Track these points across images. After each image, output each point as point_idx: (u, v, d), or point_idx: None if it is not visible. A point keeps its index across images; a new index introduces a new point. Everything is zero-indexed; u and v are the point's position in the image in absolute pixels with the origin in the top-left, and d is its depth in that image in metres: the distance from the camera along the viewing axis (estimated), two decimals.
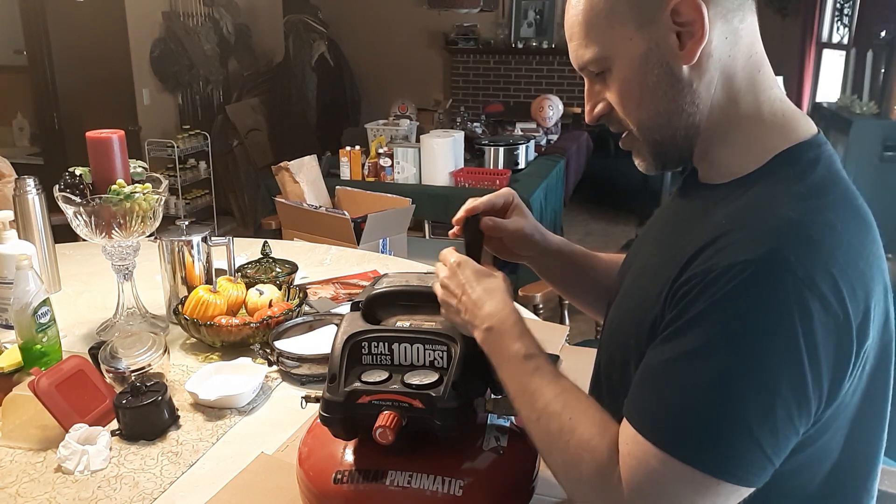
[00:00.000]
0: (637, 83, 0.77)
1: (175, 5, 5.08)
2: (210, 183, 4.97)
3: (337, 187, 3.39)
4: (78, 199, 1.41)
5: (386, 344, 0.91)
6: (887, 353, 0.75)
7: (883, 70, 4.14)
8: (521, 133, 4.53)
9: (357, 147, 3.78)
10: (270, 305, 1.54)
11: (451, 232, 1.02)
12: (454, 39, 6.46)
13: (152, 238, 1.60)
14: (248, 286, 1.62)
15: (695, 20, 0.73)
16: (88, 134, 1.48)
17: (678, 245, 0.75)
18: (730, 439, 0.65)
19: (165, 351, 1.35)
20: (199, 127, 4.98)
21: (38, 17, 4.06)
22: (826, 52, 5.03)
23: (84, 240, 1.48)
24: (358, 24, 6.52)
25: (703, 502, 0.67)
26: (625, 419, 0.72)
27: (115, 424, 1.20)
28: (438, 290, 0.91)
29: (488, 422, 0.95)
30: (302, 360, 1.36)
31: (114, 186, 1.42)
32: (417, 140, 3.89)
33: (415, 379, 0.87)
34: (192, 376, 1.33)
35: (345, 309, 1.43)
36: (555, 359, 0.84)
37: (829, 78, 5.01)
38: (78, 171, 1.46)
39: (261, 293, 1.58)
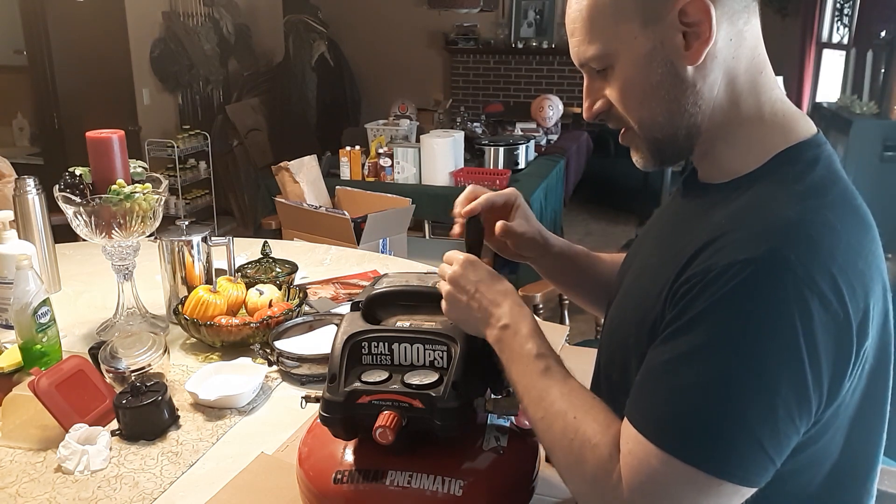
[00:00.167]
0: (640, 82, 0.77)
1: (175, 5, 5.08)
2: (210, 183, 4.97)
3: (337, 187, 3.39)
4: (78, 199, 1.41)
5: (386, 344, 0.91)
6: (887, 352, 0.75)
7: (883, 70, 4.14)
8: (521, 133, 4.53)
9: (357, 147, 3.78)
10: (270, 305, 1.54)
11: (452, 232, 1.02)
12: (454, 39, 6.46)
13: (152, 238, 1.60)
14: (248, 286, 1.62)
15: (702, 21, 0.73)
16: (88, 134, 1.48)
17: (678, 245, 0.75)
18: (731, 439, 0.65)
19: (165, 351, 1.35)
20: (199, 127, 4.98)
21: (38, 17, 4.06)
22: (826, 52, 5.03)
23: (84, 240, 1.48)
24: (358, 24, 6.52)
25: (704, 502, 0.67)
26: (626, 419, 0.72)
27: (115, 424, 1.20)
28: (445, 287, 0.91)
29: (488, 422, 0.95)
30: (302, 360, 1.36)
31: (114, 186, 1.42)
32: (417, 140, 3.89)
33: (415, 379, 0.87)
34: (192, 376, 1.33)
35: (345, 309, 1.43)
36: (553, 349, 0.84)
37: (829, 78, 5.01)
38: (78, 171, 1.46)
39: (261, 293, 1.58)
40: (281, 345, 1.41)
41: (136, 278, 1.57)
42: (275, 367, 1.40)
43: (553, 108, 4.80)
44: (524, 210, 1.04)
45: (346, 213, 2.94)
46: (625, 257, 0.99)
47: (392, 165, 3.68)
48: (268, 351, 1.41)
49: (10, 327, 1.42)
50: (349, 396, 0.87)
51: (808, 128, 0.78)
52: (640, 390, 0.72)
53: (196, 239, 1.61)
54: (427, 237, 3.75)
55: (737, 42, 0.76)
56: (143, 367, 1.30)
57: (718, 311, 0.66)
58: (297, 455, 0.96)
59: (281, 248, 2.01)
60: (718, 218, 0.73)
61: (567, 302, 2.21)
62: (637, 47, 0.76)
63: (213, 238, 1.65)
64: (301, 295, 1.62)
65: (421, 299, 0.98)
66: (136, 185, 1.45)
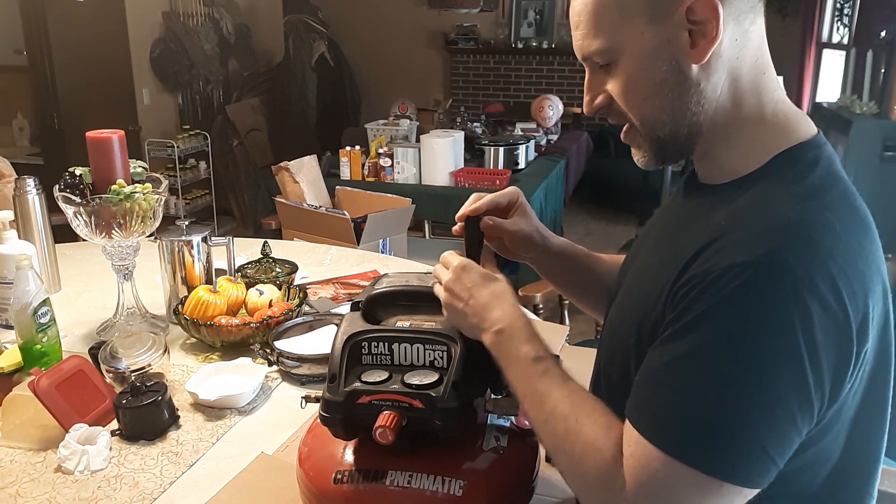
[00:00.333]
0: (644, 78, 0.77)
1: (175, 5, 5.08)
2: (210, 183, 4.97)
3: (337, 187, 3.39)
4: (78, 199, 1.41)
5: (386, 344, 0.91)
6: (887, 353, 0.75)
7: (883, 70, 4.14)
8: (521, 133, 4.53)
9: (357, 147, 3.78)
10: (270, 305, 1.54)
11: (454, 229, 1.02)
12: (454, 39, 6.46)
13: (152, 238, 1.60)
14: (248, 286, 1.62)
15: (709, 20, 0.72)
16: (88, 134, 1.48)
17: (678, 245, 0.75)
18: (733, 441, 0.65)
19: (165, 351, 1.35)
20: (199, 127, 4.98)
21: (38, 17, 4.06)
22: (826, 52, 5.03)
23: (84, 240, 1.48)
24: (358, 24, 6.52)
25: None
26: (627, 421, 0.72)
27: (115, 424, 1.20)
28: (441, 294, 0.91)
29: (488, 422, 0.95)
30: (302, 360, 1.36)
31: (114, 186, 1.42)
32: (417, 140, 3.89)
33: (415, 379, 0.87)
34: (192, 376, 1.33)
35: (345, 309, 1.43)
36: (555, 359, 0.84)
37: (829, 78, 5.01)
38: (78, 171, 1.46)
39: (261, 293, 1.58)
40: (281, 345, 1.41)
41: (136, 278, 1.57)
42: (275, 367, 1.40)
43: (553, 108, 4.80)
44: (524, 209, 1.04)
45: (346, 213, 2.94)
46: (625, 258, 0.98)
47: (392, 165, 3.68)
48: (268, 351, 1.41)
49: (10, 327, 1.42)
50: (349, 396, 0.87)
51: (809, 128, 0.78)
52: (640, 392, 0.72)
53: (196, 239, 1.61)
54: (427, 237, 3.75)
55: (742, 42, 0.76)
56: (143, 367, 1.30)
57: (719, 313, 0.66)
58: (297, 455, 0.96)
59: (281, 248, 2.01)
60: (718, 218, 0.73)
61: (567, 302, 2.21)
62: (642, 43, 0.75)
63: (213, 238, 1.65)
64: (301, 295, 1.62)
65: (421, 299, 0.98)
66: (136, 185, 1.45)
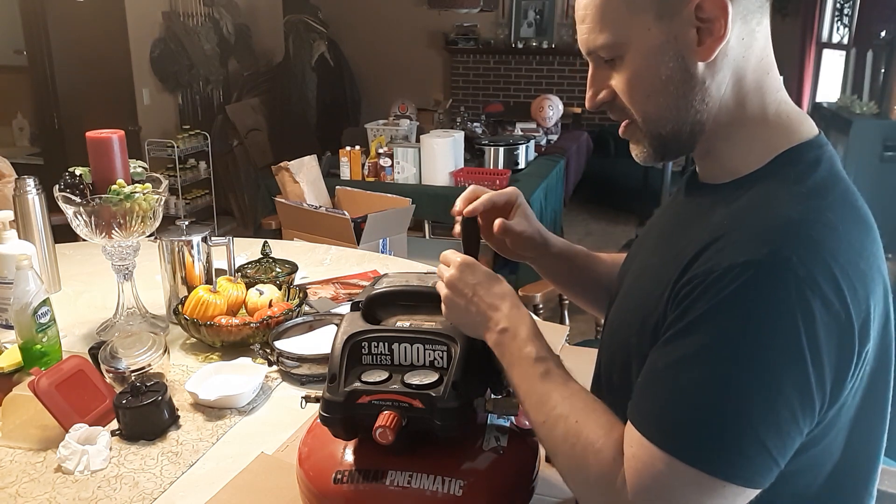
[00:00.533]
0: (649, 75, 0.76)
1: (175, 5, 5.08)
2: (210, 183, 4.97)
3: (337, 187, 3.39)
4: (78, 199, 1.41)
5: (386, 344, 0.91)
6: (887, 354, 0.75)
7: (883, 70, 4.14)
8: (521, 133, 4.53)
9: (357, 147, 3.78)
10: (270, 305, 1.54)
11: (453, 231, 1.02)
12: (454, 39, 6.46)
13: (152, 238, 1.60)
14: (248, 286, 1.62)
15: (718, 18, 0.72)
16: (88, 134, 1.48)
17: (679, 245, 0.75)
18: (735, 441, 0.65)
19: (165, 351, 1.35)
20: (199, 127, 4.98)
21: (38, 17, 4.06)
22: (826, 52, 5.03)
23: (84, 240, 1.48)
24: (358, 24, 6.52)
25: None
26: (629, 422, 0.72)
27: (115, 424, 1.20)
28: (443, 290, 0.91)
29: (488, 422, 0.95)
30: (302, 360, 1.36)
31: (114, 186, 1.42)
32: (417, 140, 3.89)
33: (415, 379, 0.87)
34: (192, 376, 1.33)
35: (345, 309, 1.43)
36: (552, 352, 0.84)
37: (829, 78, 5.01)
38: (78, 171, 1.46)
39: (261, 293, 1.58)
40: (281, 345, 1.41)
41: (136, 278, 1.57)
42: (275, 367, 1.40)
43: (553, 108, 4.80)
44: (524, 209, 1.04)
45: (346, 213, 2.94)
46: (625, 257, 0.98)
47: (392, 165, 3.68)
48: (268, 351, 1.41)
49: (10, 327, 1.42)
50: (349, 396, 0.87)
51: (811, 129, 0.78)
52: (642, 393, 0.72)
53: (196, 239, 1.61)
54: (427, 237, 3.75)
55: (748, 42, 0.76)
56: (143, 367, 1.30)
57: (721, 313, 0.66)
58: (297, 455, 0.96)
59: (281, 248, 2.01)
60: (719, 218, 0.73)
61: (567, 302, 2.21)
62: (649, 39, 0.75)
63: (213, 238, 1.65)
64: (301, 295, 1.62)
65: (421, 299, 0.98)
66: (136, 185, 1.45)
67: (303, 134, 5.77)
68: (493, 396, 0.93)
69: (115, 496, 1.06)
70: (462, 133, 3.87)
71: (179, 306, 1.53)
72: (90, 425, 1.17)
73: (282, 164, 3.25)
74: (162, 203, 1.50)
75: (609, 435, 0.73)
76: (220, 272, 1.67)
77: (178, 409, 1.25)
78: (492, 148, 3.90)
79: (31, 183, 1.72)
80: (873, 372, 0.73)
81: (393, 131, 4.07)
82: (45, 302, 1.34)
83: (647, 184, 4.88)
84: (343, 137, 4.43)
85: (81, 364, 1.25)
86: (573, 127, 5.56)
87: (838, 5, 4.83)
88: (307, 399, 0.95)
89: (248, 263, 1.75)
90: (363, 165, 3.73)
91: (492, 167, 3.88)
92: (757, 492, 0.67)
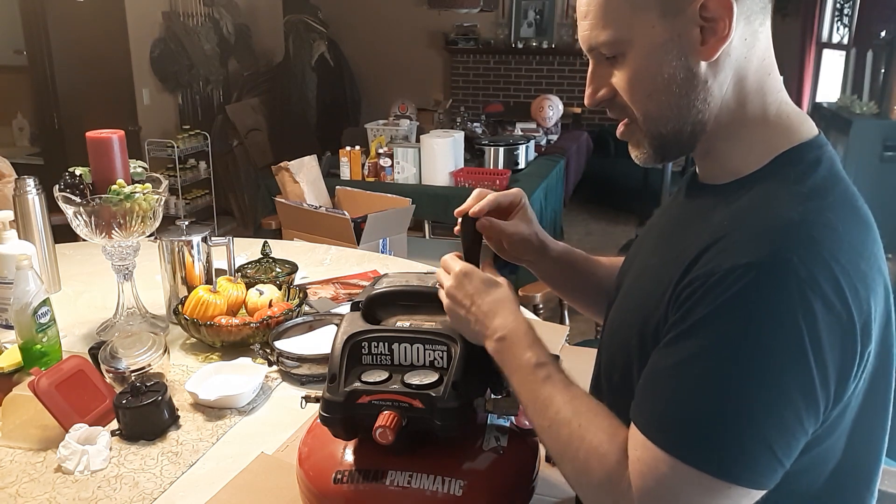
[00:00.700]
0: (651, 73, 0.76)
1: (175, 5, 5.08)
2: (210, 183, 4.97)
3: (337, 187, 3.39)
4: (78, 199, 1.41)
5: (386, 344, 0.91)
6: (889, 354, 0.75)
7: (883, 70, 4.14)
8: (521, 133, 4.53)
9: (357, 147, 3.78)
10: (270, 305, 1.54)
11: (456, 229, 1.01)
12: (454, 39, 6.46)
13: (152, 238, 1.60)
14: (248, 286, 1.62)
15: (722, 17, 0.72)
16: (88, 134, 1.48)
17: (679, 246, 0.75)
18: (740, 442, 0.65)
19: (165, 351, 1.35)
20: (199, 127, 4.98)
21: (38, 17, 4.06)
22: (826, 52, 5.03)
23: (84, 240, 1.48)
24: (358, 24, 6.52)
25: None
26: (632, 425, 0.72)
27: (115, 424, 1.20)
28: (444, 300, 0.91)
29: (488, 422, 0.95)
30: (302, 360, 1.36)
31: (114, 186, 1.42)
32: (417, 140, 3.89)
33: (415, 379, 0.87)
34: (192, 376, 1.33)
35: (345, 309, 1.43)
36: (555, 359, 0.84)
37: (829, 78, 5.01)
38: (78, 171, 1.46)
39: (261, 293, 1.58)
40: (281, 345, 1.41)
41: (136, 278, 1.57)
42: (275, 367, 1.40)
43: (553, 108, 4.80)
44: (525, 211, 1.03)
45: (346, 213, 2.94)
46: (625, 258, 0.98)
47: (392, 165, 3.68)
48: (268, 351, 1.41)
49: (10, 327, 1.42)
50: (349, 396, 0.87)
51: (811, 129, 0.78)
52: (645, 395, 0.72)
53: (196, 239, 1.61)
54: (427, 237, 3.75)
55: (751, 42, 0.75)
56: (143, 367, 1.30)
57: (723, 315, 0.66)
58: (297, 455, 0.96)
59: (281, 248, 2.01)
60: (720, 218, 0.73)
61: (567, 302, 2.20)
62: (653, 37, 0.74)
63: (213, 238, 1.65)
64: (301, 295, 1.62)
65: (421, 299, 0.98)
66: (136, 185, 1.45)
67: (303, 134, 5.77)
68: (493, 396, 0.93)
69: (115, 496, 1.06)
70: (462, 133, 3.87)
71: (179, 306, 1.53)
72: (90, 425, 1.17)
73: (282, 164, 3.25)
74: (162, 203, 1.50)
75: (612, 438, 0.73)
76: (220, 272, 1.67)
77: (178, 409, 1.25)
78: (492, 148, 3.90)
79: (31, 183, 1.72)
80: (874, 372, 0.73)
81: (393, 131, 4.07)
82: (45, 302, 1.34)
83: (647, 184, 4.89)
84: (343, 137, 4.43)
85: (81, 364, 1.25)
86: (573, 127, 5.56)
87: (838, 5, 4.83)
88: (307, 399, 0.95)
89: (248, 263, 1.75)
90: (363, 165, 3.73)
91: (492, 167, 3.89)
92: (762, 493, 0.67)
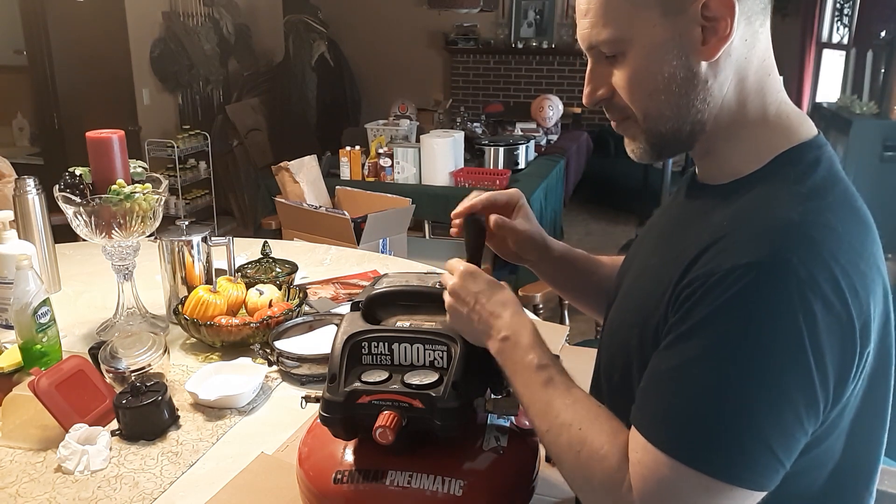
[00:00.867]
0: (651, 73, 0.75)
1: (175, 5, 5.08)
2: (210, 183, 4.97)
3: (337, 187, 3.39)
4: (78, 199, 1.41)
5: (386, 344, 0.91)
6: (888, 354, 0.75)
7: (883, 70, 4.14)
8: (521, 133, 4.53)
9: (357, 147, 3.78)
10: (270, 305, 1.54)
11: (452, 231, 1.01)
12: (454, 39, 6.46)
13: (152, 238, 1.60)
14: (248, 286, 1.62)
15: (724, 17, 0.72)
16: (88, 134, 1.48)
17: (679, 246, 0.75)
18: (740, 444, 0.65)
19: (165, 351, 1.35)
20: (199, 127, 4.98)
21: (38, 17, 4.06)
22: (826, 52, 5.03)
23: (84, 240, 1.48)
24: (358, 24, 6.52)
25: None
26: (633, 427, 0.72)
27: (115, 424, 1.20)
28: (447, 298, 0.91)
29: (488, 422, 0.95)
30: (302, 360, 1.36)
31: (114, 186, 1.42)
32: (417, 140, 3.89)
33: (415, 379, 0.87)
34: (192, 376, 1.33)
35: (345, 309, 1.43)
36: (555, 358, 0.84)
37: (829, 78, 5.01)
38: (78, 171, 1.46)
39: (261, 293, 1.58)
40: (281, 345, 1.41)
41: (136, 278, 1.57)
42: (275, 367, 1.40)
43: (553, 108, 4.80)
44: (526, 211, 1.03)
45: (346, 213, 2.94)
46: (624, 258, 0.98)
47: (392, 165, 3.68)
48: (268, 351, 1.41)
49: (10, 327, 1.42)
50: (349, 396, 0.87)
51: (810, 129, 0.78)
52: (646, 397, 0.72)
53: (196, 239, 1.61)
54: (427, 237, 3.75)
55: (751, 43, 0.75)
56: (143, 367, 1.30)
57: (722, 316, 0.66)
58: (297, 455, 0.96)
59: (281, 248, 2.01)
60: (719, 219, 0.73)
61: (567, 302, 2.21)
62: (654, 36, 0.74)
63: (213, 238, 1.65)
64: (301, 295, 1.62)
65: (421, 299, 0.98)
66: (136, 185, 1.45)
67: (303, 134, 5.77)
68: (493, 396, 0.93)
69: (115, 496, 1.06)
70: (462, 133, 3.87)
71: (179, 306, 1.53)
72: (90, 425, 1.17)
73: (282, 164, 3.25)
74: (162, 203, 1.50)
75: (613, 441, 0.73)
76: (220, 272, 1.67)
77: (178, 409, 1.25)
78: (492, 148, 3.90)
79: (31, 183, 1.72)
80: (873, 373, 0.73)
81: (393, 131, 4.07)
82: (45, 302, 1.34)
83: (647, 184, 4.89)
84: (343, 137, 4.43)
85: (81, 364, 1.25)
86: (573, 127, 5.56)
87: (838, 5, 4.83)
88: (307, 399, 0.95)
89: (248, 263, 1.75)
90: (363, 165, 3.73)
91: (492, 167, 3.89)
92: (763, 494, 0.67)
